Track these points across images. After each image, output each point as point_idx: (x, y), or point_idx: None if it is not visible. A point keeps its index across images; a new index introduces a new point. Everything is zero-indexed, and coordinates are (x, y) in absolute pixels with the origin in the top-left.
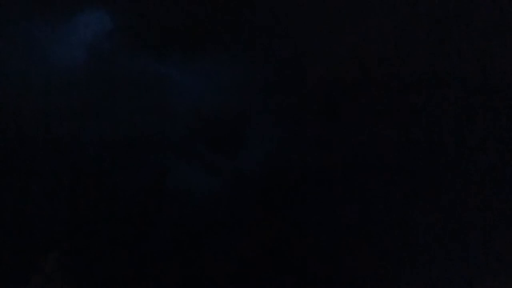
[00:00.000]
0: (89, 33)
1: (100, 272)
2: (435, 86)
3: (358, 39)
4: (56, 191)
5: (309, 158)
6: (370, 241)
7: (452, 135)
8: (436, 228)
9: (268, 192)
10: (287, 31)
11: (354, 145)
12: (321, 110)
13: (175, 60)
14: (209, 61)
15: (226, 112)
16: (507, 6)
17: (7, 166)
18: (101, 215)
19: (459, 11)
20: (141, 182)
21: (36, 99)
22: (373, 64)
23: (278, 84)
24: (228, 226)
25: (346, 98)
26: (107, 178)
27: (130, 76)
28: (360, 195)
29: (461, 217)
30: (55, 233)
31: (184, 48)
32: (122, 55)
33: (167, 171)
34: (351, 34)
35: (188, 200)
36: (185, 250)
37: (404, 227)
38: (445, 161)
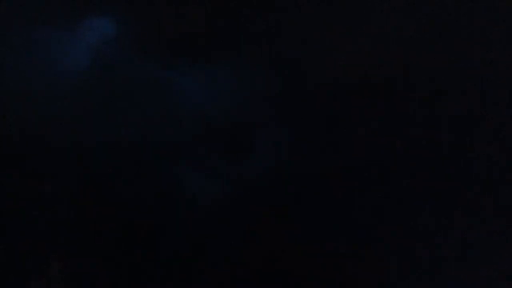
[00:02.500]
0: (94, 39)
1: (103, 276)
2: (436, 89)
3: (360, 44)
4: (59, 195)
5: (314, 163)
6: (375, 246)
7: (453, 138)
8: (439, 230)
9: (272, 198)
10: (290, 37)
11: (359, 150)
12: (326, 115)
13: (180, 66)
14: (214, 67)
15: (231, 117)
16: (506, 9)
17: (10, 169)
18: (105, 219)
19: (459, 15)
20: (145, 187)
21: (39, 104)
22: (375, 68)
23: (283, 89)
24: (232, 232)
25: (351, 103)
26: (110, 183)
27: (134, 82)
28: (364, 200)
29: (463, 220)
30: (58, 236)
31: (189, 54)
32: (127, 60)
33: (172, 177)
34: (353, 39)
35: (191, 205)
36: (188, 257)
37: (408, 231)
38: (447, 164)
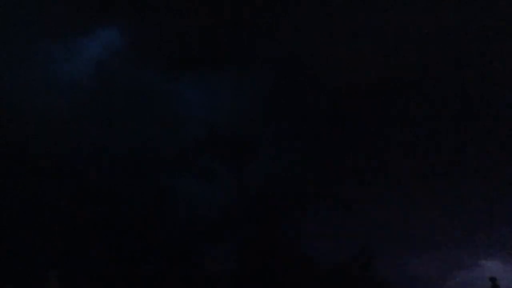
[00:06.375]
0: (100, 50)
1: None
2: (437, 88)
3: (360, 46)
4: (60, 206)
5: (311, 171)
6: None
7: (453, 136)
8: (438, 238)
9: (269, 205)
10: (293, 47)
11: (359, 157)
12: (327, 123)
13: (184, 76)
14: (217, 77)
15: (233, 127)
16: (506, 10)
17: (15, 178)
18: (104, 227)
19: (458, 15)
20: (145, 194)
21: (46, 113)
22: (375, 70)
23: (287, 101)
24: (230, 237)
25: (351, 108)
26: (112, 191)
27: (138, 93)
28: (360, 209)
29: (464, 222)
30: (57, 251)
31: (193, 66)
32: (132, 71)
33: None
34: (353, 41)
35: (190, 210)
36: (186, 261)
37: (406, 239)
38: (447, 164)
